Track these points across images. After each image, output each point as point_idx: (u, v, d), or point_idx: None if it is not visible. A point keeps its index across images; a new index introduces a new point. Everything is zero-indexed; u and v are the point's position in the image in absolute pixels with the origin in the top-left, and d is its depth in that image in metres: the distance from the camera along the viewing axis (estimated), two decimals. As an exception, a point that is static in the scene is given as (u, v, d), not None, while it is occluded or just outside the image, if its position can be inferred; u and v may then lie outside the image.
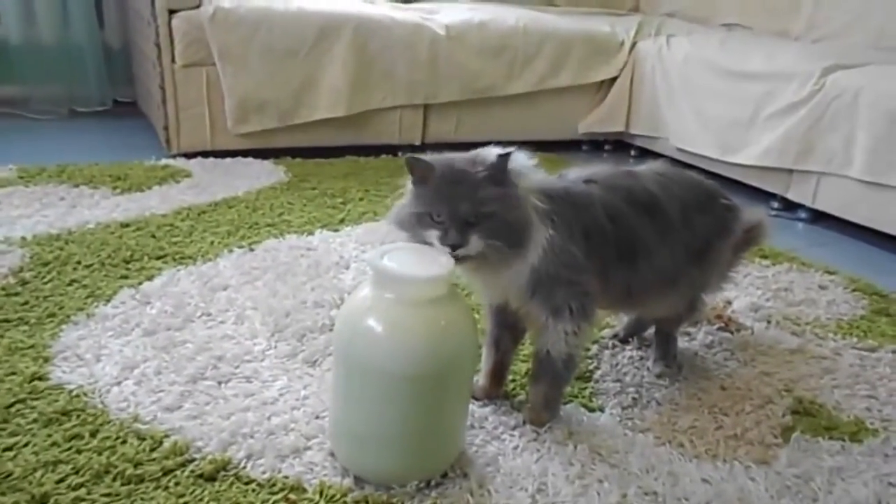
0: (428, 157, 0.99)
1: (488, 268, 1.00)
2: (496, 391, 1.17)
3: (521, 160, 1.02)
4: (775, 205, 2.42)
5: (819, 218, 2.31)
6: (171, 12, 2.15)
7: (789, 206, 2.39)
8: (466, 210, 0.94)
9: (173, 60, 2.19)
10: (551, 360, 1.06)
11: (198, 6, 2.17)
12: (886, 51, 2.54)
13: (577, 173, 1.14)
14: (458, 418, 0.99)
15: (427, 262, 0.92)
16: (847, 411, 1.23)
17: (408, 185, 1.02)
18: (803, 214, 2.35)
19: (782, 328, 1.52)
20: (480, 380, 1.16)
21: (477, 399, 1.15)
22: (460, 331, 0.93)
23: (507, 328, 1.14)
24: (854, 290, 1.74)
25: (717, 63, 2.56)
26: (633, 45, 2.88)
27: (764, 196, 2.44)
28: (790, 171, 2.33)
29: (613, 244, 1.07)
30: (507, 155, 0.96)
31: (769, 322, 1.54)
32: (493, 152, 0.99)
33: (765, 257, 1.90)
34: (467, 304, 0.97)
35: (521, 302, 1.04)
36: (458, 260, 0.94)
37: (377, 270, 0.90)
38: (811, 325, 1.54)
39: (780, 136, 2.32)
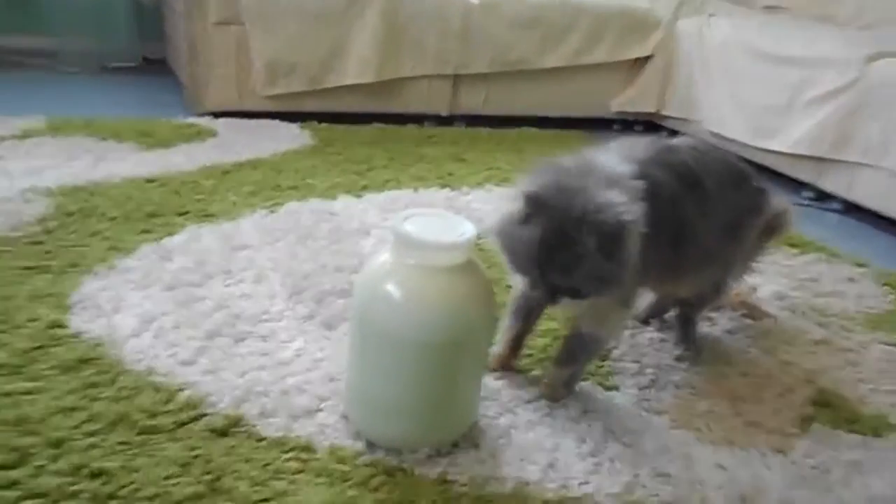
0: (544, 176, 0.93)
1: (569, 304, 0.98)
2: (512, 361, 1.16)
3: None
4: (807, 194, 2.36)
5: (852, 210, 2.26)
6: (204, -32, 2.14)
7: (822, 197, 2.33)
8: (560, 281, 0.91)
9: (204, 19, 2.17)
10: (584, 342, 1.06)
11: (231, -36, 2.15)
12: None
13: (620, 151, 1.05)
14: (471, 388, 0.98)
15: (449, 228, 0.90)
16: (870, 405, 1.21)
17: (518, 192, 0.93)
18: (836, 205, 2.29)
19: (807, 318, 1.49)
20: (497, 348, 1.14)
21: (492, 369, 1.13)
22: (478, 300, 0.91)
23: (537, 303, 1.10)
24: (884, 284, 1.70)
25: (757, 46, 2.49)
26: (672, 23, 2.81)
27: (796, 185, 2.38)
28: (825, 161, 2.27)
29: (668, 228, 1.02)
30: (623, 226, 0.88)
31: (794, 311, 1.51)
32: (612, 207, 0.88)
33: (793, 246, 1.86)
34: (487, 274, 0.95)
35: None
36: None
37: (398, 235, 0.89)
38: (837, 316, 1.51)
39: (816, 123, 2.26)
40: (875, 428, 1.14)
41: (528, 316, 1.13)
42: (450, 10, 2.42)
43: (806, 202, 2.33)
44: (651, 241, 0.94)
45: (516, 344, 1.15)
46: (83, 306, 1.18)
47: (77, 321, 1.14)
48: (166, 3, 2.70)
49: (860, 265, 1.79)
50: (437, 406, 0.94)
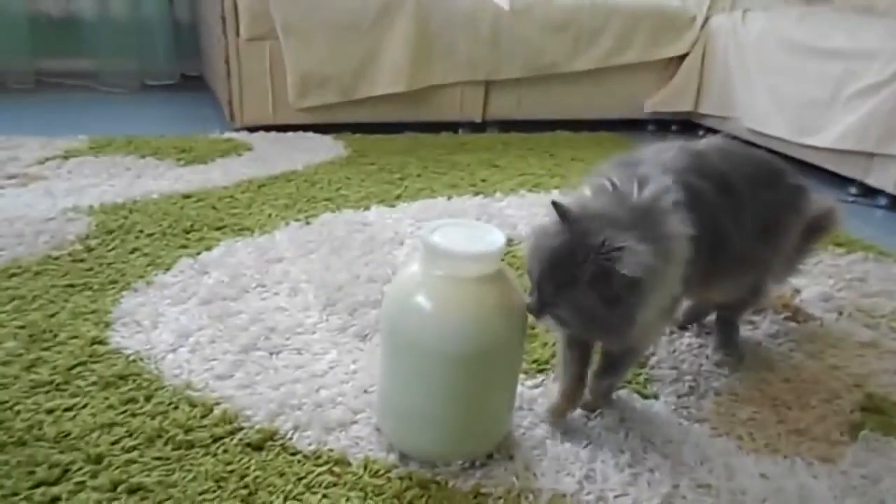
0: (589, 189, 0.92)
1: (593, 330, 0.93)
2: (572, 410, 1.06)
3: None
4: (853, 191, 2.29)
5: (901, 205, 2.18)
6: (237, -14, 2.17)
7: (868, 193, 2.26)
8: (549, 299, 0.88)
9: (238, 34, 2.21)
10: (622, 353, 1.02)
11: (262, -20, 2.19)
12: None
13: (653, 162, 1.00)
14: (505, 399, 0.97)
15: (479, 238, 0.89)
16: (923, 411, 1.16)
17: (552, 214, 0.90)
18: (883, 201, 2.22)
19: (854, 320, 1.44)
20: (556, 399, 1.05)
21: (553, 424, 1.04)
22: (510, 310, 0.90)
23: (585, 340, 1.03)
24: (936, 283, 1.63)
25: (796, 39, 2.43)
26: (706, 20, 2.77)
27: (841, 181, 2.31)
28: (871, 156, 2.20)
29: (706, 237, 0.96)
30: (631, 281, 0.82)
31: (840, 313, 1.46)
32: (629, 257, 0.81)
33: (839, 245, 1.80)
34: (517, 283, 0.94)
35: None
36: None
37: (427, 246, 0.88)
38: (886, 318, 1.46)
39: (860, 117, 2.19)
40: (929, 434, 1.10)
41: (580, 356, 1.03)
42: (480, 16, 2.41)
43: (851, 199, 2.26)
44: (690, 253, 0.91)
45: (573, 391, 1.05)
46: (123, 322, 1.21)
47: (117, 337, 1.16)
48: (202, 20, 2.76)
49: (911, 263, 1.73)
50: (469, 417, 0.93)
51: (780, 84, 2.45)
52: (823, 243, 1.75)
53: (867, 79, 2.18)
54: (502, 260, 0.91)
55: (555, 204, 0.88)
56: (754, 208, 1.08)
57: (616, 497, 0.92)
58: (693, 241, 0.91)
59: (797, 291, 1.52)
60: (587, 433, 1.03)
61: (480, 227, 0.93)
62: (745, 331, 1.34)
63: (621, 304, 0.84)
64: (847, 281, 1.61)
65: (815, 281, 1.58)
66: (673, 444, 1.02)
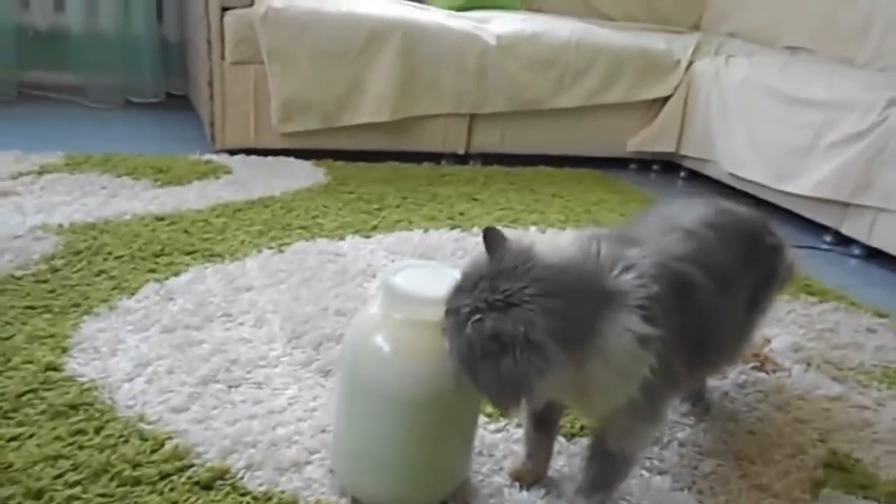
0: (512, 239, 0.83)
1: (576, 387, 0.83)
2: (543, 471, 1.03)
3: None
4: (828, 238, 2.31)
5: (874, 255, 2.19)
6: (224, 9, 2.17)
7: (843, 241, 2.28)
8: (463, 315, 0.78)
9: (223, 57, 2.21)
10: (615, 464, 0.92)
11: (250, 4, 2.19)
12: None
13: (652, 246, 0.90)
14: (462, 445, 0.96)
15: (439, 281, 0.88)
16: (885, 469, 1.15)
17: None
18: (857, 251, 2.23)
19: (823, 372, 1.43)
20: (524, 460, 1.02)
21: (523, 483, 1.00)
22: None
23: (553, 404, 0.97)
24: (906, 337, 1.64)
25: (777, 87, 2.46)
26: (690, 63, 2.80)
27: (817, 229, 2.33)
28: (846, 205, 2.22)
29: (694, 331, 0.90)
30: (493, 336, 0.75)
31: (809, 364, 1.45)
32: (514, 316, 0.75)
33: (812, 294, 1.81)
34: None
35: (611, 414, 0.87)
36: None
37: (387, 289, 0.87)
38: (854, 370, 1.46)
39: (837, 167, 2.21)
40: (890, 494, 1.09)
41: (546, 422, 1.00)
42: (467, 50, 2.43)
43: (826, 247, 2.28)
44: (680, 350, 0.85)
45: (545, 454, 1.02)
46: (81, 348, 1.18)
47: (73, 364, 1.14)
48: (190, 40, 2.76)
49: (881, 315, 1.73)
50: (425, 463, 0.92)
51: (760, 130, 2.48)
52: (797, 291, 1.76)
53: (845, 129, 2.21)
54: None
55: (488, 231, 0.83)
56: (743, 288, 1.04)
57: (571, 551, 0.90)
58: (676, 337, 0.83)
59: (767, 341, 1.51)
60: (546, 483, 1.02)
61: (442, 269, 0.92)
62: (713, 380, 1.33)
63: (489, 359, 0.75)
64: (818, 331, 1.61)
65: (786, 330, 1.58)
66: (633, 497, 1.01)
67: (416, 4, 2.63)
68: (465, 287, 0.80)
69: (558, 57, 2.57)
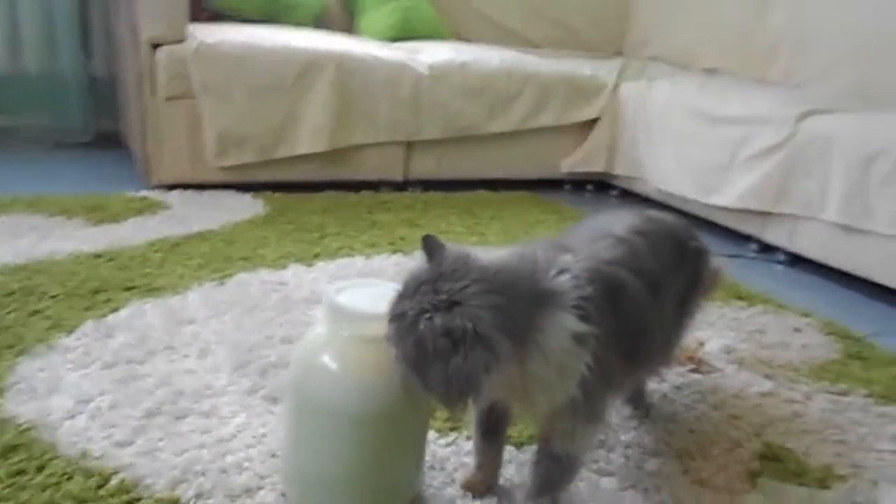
0: (452, 248, 0.86)
1: (517, 385, 0.85)
2: (494, 480, 1.04)
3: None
4: (753, 247, 2.43)
5: (797, 261, 2.32)
6: (155, 46, 2.17)
7: (767, 249, 2.40)
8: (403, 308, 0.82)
9: (155, 93, 2.20)
10: (560, 466, 0.94)
11: (182, 41, 2.19)
12: (862, 97, 2.59)
13: (583, 252, 0.94)
14: (413, 459, 0.97)
15: (383, 298, 0.90)
16: (816, 457, 1.22)
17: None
18: (781, 257, 2.35)
19: (754, 371, 1.51)
20: (474, 471, 1.04)
21: (475, 493, 1.02)
22: (416, 369, 0.91)
23: (501, 412, 1.00)
24: (829, 334, 1.74)
25: (697, 107, 2.59)
26: (615, 87, 2.92)
27: (742, 239, 2.45)
28: (767, 214, 2.35)
29: (627, 335, 0.94)
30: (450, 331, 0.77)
31: (741, 364, 1.53)
32: (463, 311, 0.78)
33: (741, 298, 1.90)
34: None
35: (553, 413, 0.90)
36: None
37: (331, 307, 0.89)
38: (783, 367, 1.53)
39: (756, 179, 2.34)
40: (821, 479, 1.15)
41: (495, 432, 1.02)
42: (400, 79, 2.48)
43: (751, 255, 2.39)
44: (621, 350, 0.90)
45: (494, 463, 1.04)
46: (18, 388, 1.15)
47: (9, 405, 1.10)
48: (120, 76, 2.73)
49: (805, 315, 1.83)
50: (376, 479, 0.93)
51: (684, 147, 2.60)
52: (724, 298, 1.85)
53: (761, 143, 2.34)
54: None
55: (427, 238, 0.86)
56: (672, 293, 1.08)
57: (525, 554, 0.92)
58: (610, 337, 0.87)
59: (701, 344, 1.58)
60: (497, 491, 1.04)
61: (383, 286, 0.94)
62: (652, 384, 1.38)
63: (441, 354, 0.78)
64: (748, 333, 1.69)
65: (718, 334, 1.66)
66: (581, 499, 1.04)
67: (348, 36, 2.67)
68: (407, 293, 0.83)
69: (489, 84, 2.65)
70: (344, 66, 2.37)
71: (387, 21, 2.86)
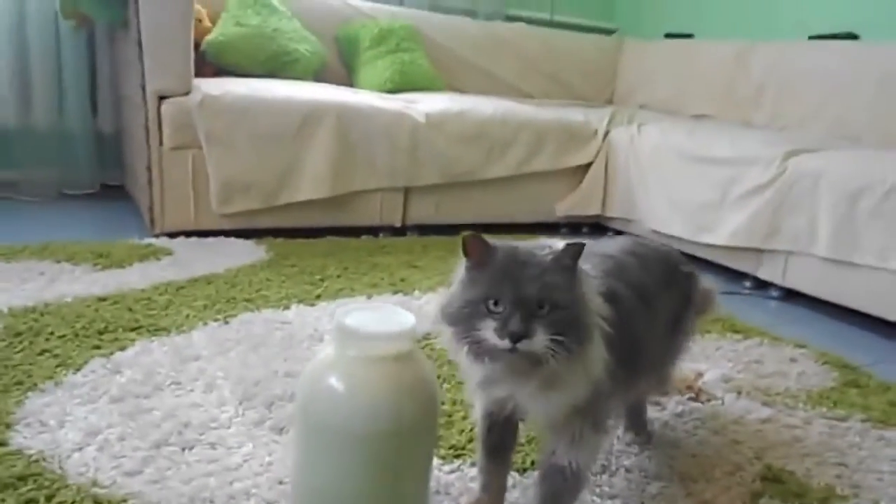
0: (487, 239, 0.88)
1: (538, 378, 0.88)
2: (500, 502, 1.06)
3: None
4: (747, 284, 2.47)
5: (790, 296, 2.36)
6: (161, 98, 2.24)
7: (761, 285, 2.44)
8: (532, 294, 0.82)
9: (161, 143, 2.26)
10: (565, 478, 0.95)
11: (187, 93, 2.27)
12: (843, 139, 2.68)
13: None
14: (420, 480, 0.98)
15: (390, 320, 0.94)
16: (817, 478, 1.23)
17: (458, 270, 0.93)
18: (775, 293, 2.39)
19: (753, 398, 1.52)
20: (480, 493, 1.05)
21: None
22: (423, 388, 0.94)
23: (507, 430, 1.02)
24: (824, 363, 1.76)
25: (686, 149, 2.67)
26: (607, 133, 3.01)
27: (736, 276, 2.49)
28: (760, 251, 2.39)
29: (628, 341, 0.96)
30: (579, 245, 0.86)
31: (739, 393, 1.55)
32: (559, 243, 0.89)
33: (737, 332, 1.92)
34: (430, 363, 0.98)
35: (564, 417, 0.92)
36: (511, 356, 0.84)
37: (339, 328, 0.92)
38: (781, 395, 1.55)
39: (747, 217, 2.39)
40: (823, 500, 1.16)
41: (503, 451, 1.04)
42: (398, 128, 2.55)
43: (746, 291, 2.43)
44: (614, 355, 0.92)
45: (498, 483, 1.05)
46: (26, 423, 1.16)
47: (18, 438, 1.12)
48: (125, 130, 2.80)
49: (800, 346, 1.86)
50: (385, 499, 0.94)
51: (675, 189, 2.67)
52: (720, 331, 1.88)
53: (750, 182, 2.40)
54: (421, 347, 0.95)
55: (471, 237, 0.87)
56: (663, 310, 1.12)
57: (531, 572, 0.93)
58: (612, 343, 0.90)
59: (700, 374, 1.60)
60: (503, 512, 1.05)
61: (392, 309, 0.97)
62: (653, 412, 1.40)
63: (575, 282, 0.86)
64: (745, 363, 1.71)
65: (716, 364, 1.68)
66: (586, 518, 1.05)
67: (347, 88, 2.76)
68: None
69: (485, 131, 2.73)
70: (344, 116, 2.45)
71: (384, 74, 2.96)
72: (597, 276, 0.95)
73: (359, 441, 0.90)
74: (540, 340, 0.82)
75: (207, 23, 2.69)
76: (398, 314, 0.96)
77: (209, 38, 2.63)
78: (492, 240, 0.88)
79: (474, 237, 0.87)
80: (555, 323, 0.83)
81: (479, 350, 0.86)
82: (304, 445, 0.94)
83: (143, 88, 2.22)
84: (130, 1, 2.24)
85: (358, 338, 0.91)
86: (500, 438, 1.03)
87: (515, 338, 0.81)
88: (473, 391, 0.97)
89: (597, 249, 1.07)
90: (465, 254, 0.90)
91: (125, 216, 2.61)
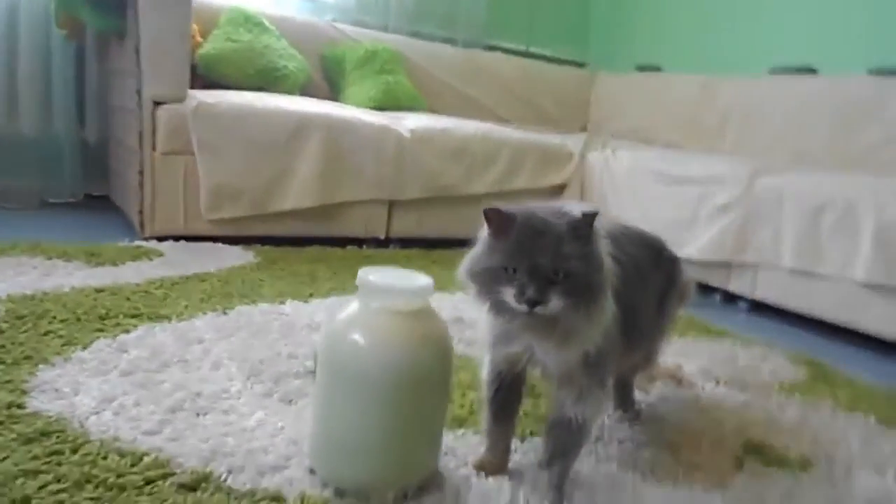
0: (507, 207, 0.94)
1: (556, 333, 0.94)
2: (505, 461, 1.11)
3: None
4: (718, 298, 2.58)
5: (759, 308, 2.47)
6: (157, 104, 2.29)
7: (731, 299, 2.56)
8: (547, 264, 0.89)
9: (154, 148, 2.30)
10: (570, 431, 1.02)
11: (182, 100, 2.32)
12: (806, 163, 2.84)
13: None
14: (434, 429, 1.04)
15: (408, 278, 1.01)
16: (794, 450, 1.32)
17: (481, 234, 0.99)
18: (744, 305, 2.51)
19: (730, 387, 1.62)
20: (485, 453, 1.11)
21: (487, 473, 1.08)
22: (439, 341, 1.00)
23: (512, 392, 1.08)
24: (794, 361, 1.86)
25: (658, 170, 2.81)
26: (582, 156, 3.14)
27: (707, 290, 2.60)
28: (730, 266, 2.52)
29: (628, 311, 1.04)
30: (593, 214, 0.92)
31: (718, 382, 1.64)
32: (577, 208, 0.94)
33: (710, 333, 2.02)
34: (444, 321, 1.05)
35: (572, 372, 0.99)
36: (529, 318, 0.91)
37: (363, 283, 0.98)
38: (756, 385, 1.65)
39: (717, 232, 2.52)
40: (802, 465, 1.25)
41: (509, 412, 1.10)
42: (385, 141, 2.64)
43: (717, 305, 2.54)
44: (616, 319, 0.99)
45: (506, 445, 1.11)
46: (41, 390, 1.19)
47: (35, 403, 1.14)
48: (113, 139, 2.83)
49: (771, 346, 1.96)
50: (402, 446, 0.99)
51: (649, 207, 2.79)
52: (695, 335, 1.97)
53: (719, 199, 2.54)
54: (431, 298, 1.02)
55: (492, 210, 0.94)
56: (653, 287, 1.22)
57: (540, 518, 0.99)
58: (617, 300, 0.98)
59: (680, 366, 1.69)
60: (509, 471, 1.11)
61: (409, 272, 1.04)
62: (638, 396, 1.48)
63: (592, 245, 0.92)
64: (720, 359, 1.81)
65: (693, 360, 1.77)
66: (586, 476, 1.11)
67: (335, 103, 2.85)
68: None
69: (467, 147, 2.83)
70: (333, 128, 2.52)
71: (369, 93, 3.06)
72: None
73: (380, 389, 0.96)
74: (555, 305, 0.90)
75: (199, 38, 2.77)
76: (415, 276, 1.03)
77: (201, 51, 2.70)
78: (511, 206, 0.95)
79: (494, 210, 0.94)
80: (569, 289, 0.90)
81: (501, 307, 0.94)
82: (327, 396, 1.00)
83: (139, 94, 2.27)
84: (130, 9, 2.30)
85: (381, 292, 0.98)
86: (506, 400, 1.09)
87: (532, 303, 0.89)
88: (489, 346, 1.04)
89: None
90: (488, 223, 0.96)
91: (111, 223, 2.63)
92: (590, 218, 0.92)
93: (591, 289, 0.92)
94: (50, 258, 2.00)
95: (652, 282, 1.21)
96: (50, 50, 2.76)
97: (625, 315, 1.03)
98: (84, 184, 2.94)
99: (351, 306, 1.01)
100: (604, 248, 0.98)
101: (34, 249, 2.05)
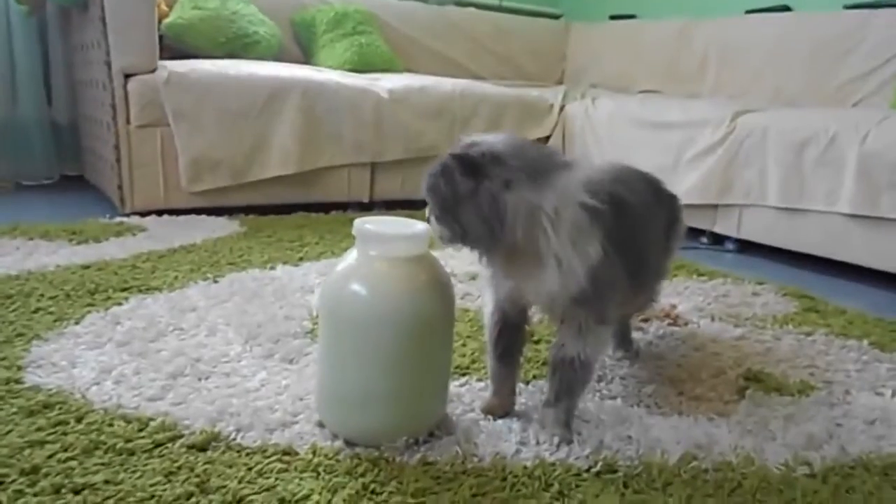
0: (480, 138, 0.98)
1: (521, 261, 0.97)
2: (511, 404, 1.12)
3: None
4: (704, 239, 2.60)
5: (746, 247, 2.50)
6: (127, 76, 2.24)
7: (717, 240, 2.57)
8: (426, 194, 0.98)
9: (128, 122, 2.25)
10: (574, 369, 1.02)
11: (153, 70, 2.27)
12: (785, 102, 2.85)
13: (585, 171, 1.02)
14: (440, 376, 1.04)
15: (405, 226, 1.00)
16: (792, 377, 1.33)
17: None
18: (731, 246, 2.53)
19: (725, 322, 1.63)
20: (491, 397, 1.12)
21: (494, 416, 1.09)
22: (440, 286, 1.00)
23: (515, 333, 1.10)
24: (785, 295, 1.89)
25: (639, 117, 2.80)
26: (562, 107, 3.12)
27: (694, 232, 2.62)
28: (715, 207, 2.53)
29: (636, 253, 1.05)
30: (467, 156, 0.95)
31: (713, 319, 1.65)
32: (480, 146, 0.96)
33: (701, 275, 2.04)
34: (444, 267, 1.04)
35: (569, 311, 1.00)
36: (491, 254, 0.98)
37: (360, 232, 0.97)
38: (750, 319, 1.67)
39: (701, 175, 2.53)
40: (801, 390, 1.27)
41: (512, 353, 1.11)
42: (362, 103, 2.60)
43: (704, 246, 2.56)
44: (621, 261, 0.98)
45: (511, 386, 1.12)
46: (37, 365, 1.17)
47: (33, 377, 1.13)
48: (84, 117, 2.77)
49: (760, 283, 1.98)
50: (410, 395, 0.99)
51: (631, 154, 2.78)
52: (685, 275, 1.98)
53: (701, 143, 2.54)
54: (429, 244, 1.01)
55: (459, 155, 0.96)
56: (657, 224, 1.21)
57: (551, 454, 1.00)
58: (616, 244, 0.97)
59: (674, 306, 1.70)
60: (516, 413, 1.11)
61: (405, 220, 1.03)
62: (636, 335, 1.49)
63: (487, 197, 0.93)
64: (713, 297, 1.83)
65: (687, 299, 1.79)
66: (593, 414, 1.12)
67: (311, 67, 2.80)
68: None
69: (446, 106, 2.80)
70: (309, 92, 2.48)
71: (343, 56, 3.00)
72: (604, 181, 1.01)
73: (384, 337, 0.95)
74: (436, 228, 0.98)
75: (164, 7, 2.69)
76: (411, 223, 1.02)
77: (168, 20, 2.63)
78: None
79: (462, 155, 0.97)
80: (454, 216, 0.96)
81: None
82: (331, 349, 0.99)
83: (109, 66, 2.21)
84: (91, -21, 2.23)
85: (379, 239, 0.96)
86: (509, 341, 1.10)
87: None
88: (488, 288, 1.05)
89: (594, 164, 1.14)
90: None
91: (90, 202, 2.57)
92: (466, 157, 0.95)
93: (483, 220, 0.93)
94: (31, 238, 1.96)
95: (657, 220, 1.21)
96: (10, 29, 2.68)
97: (635, 255, 1.03)
98: (58, 164, 2.88)
99: (349, 257, 0.99)
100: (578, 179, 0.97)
101: (13, 231, 2.01)
